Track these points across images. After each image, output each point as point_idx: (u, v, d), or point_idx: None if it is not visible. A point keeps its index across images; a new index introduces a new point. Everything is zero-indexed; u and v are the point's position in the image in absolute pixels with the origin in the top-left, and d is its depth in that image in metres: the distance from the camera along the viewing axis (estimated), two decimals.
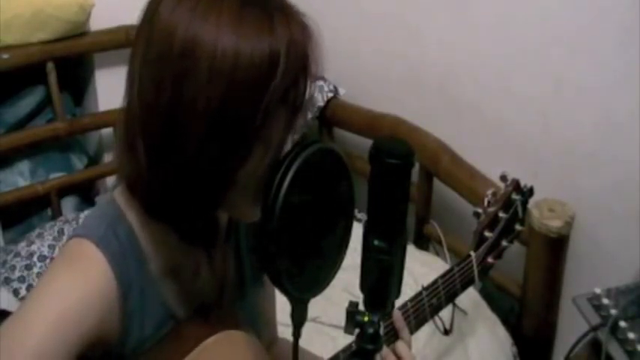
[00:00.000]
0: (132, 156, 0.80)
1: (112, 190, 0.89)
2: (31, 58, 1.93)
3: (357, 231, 0.80)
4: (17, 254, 1.86)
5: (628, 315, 1.32)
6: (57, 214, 2.07)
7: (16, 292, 1.79)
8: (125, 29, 2.01)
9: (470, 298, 1.67)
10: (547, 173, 1.73)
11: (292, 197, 0.74)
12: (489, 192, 1.36)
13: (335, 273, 0.83)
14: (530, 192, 1.39)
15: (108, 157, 2.24)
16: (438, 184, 1.92)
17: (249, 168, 0.78)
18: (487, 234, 1.32)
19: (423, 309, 1.20)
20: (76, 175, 2.13)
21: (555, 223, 1.59)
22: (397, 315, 1.10)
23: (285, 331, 1.02)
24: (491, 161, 1.79)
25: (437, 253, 1.94)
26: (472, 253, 1.31)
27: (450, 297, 1.26)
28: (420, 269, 1.71)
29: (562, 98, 1.68)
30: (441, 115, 1.98)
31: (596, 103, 1.62)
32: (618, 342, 1.29)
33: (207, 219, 0.90)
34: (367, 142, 1.37)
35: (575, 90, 1.65)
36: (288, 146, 0.80)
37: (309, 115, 2.10)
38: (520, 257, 1.67)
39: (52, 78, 1.99)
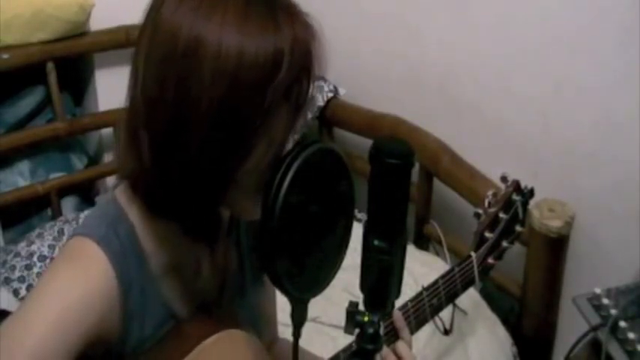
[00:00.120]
0: (135, 151, 0.80)
1: (113, 190, 0.89)
2: (31, 58, 1.93)
3: (357, 231, 0.80)
4: (17, 254, 1.86)
5: (628, 315, 1.32)
6: (57, 214, 2.07)
7: (16, 292, 1.79)
8: (125, 29, 2.01)
9: (470, 298, 1.67)
10: (547, 173, 1.73)
11: (292, 197, 0.74)
12: (490, 193, 1.36)
13: (335, 273, 0.83)
14: (531, 193, 1.39)
15: (108, 157, 2.23)
16: (438, 184, 1.92)
17: (251, 165, 0.78)
18: (487, 235, 1.32)
19: (424, 309, 1.20)
20: (76, 175, 2.13)
21: (555, 223, 1.59)
22: (397, 315, 1.10)
23: (285, 331, 1.02)
24: (491, 161, 1.79)
25: (437, 253, 1.94)
26: (473, 254, 1.31)
27: (451, 297, 1.27)
28: (420, 269, 1.71)
29: (562, 98, 1.68)
30: (441, 115, 1.98)
31: (596, 103, 1.62)
32: (618, 342, 1.29)
33: (209, 214, 0.90)
34: (367, 142, 1.37)
35: (575, 90, 1.65)
36: (289, 145, 0.80)
37: (309, 115, 2.10)
38: (520, 257, 1.67)
39: (52, 78, 1.99)
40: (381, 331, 0.82)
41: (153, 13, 0.79)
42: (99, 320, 0.80)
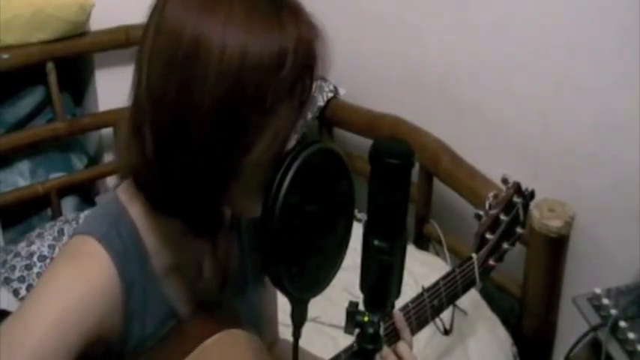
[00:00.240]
0: (138, 147, 0.80)
1: (114, 189, 0.89)
2: (31, 58, 1.93)
3: (357, 231, 0.80)
4: (17, 254, 1.86)
5: (628, 315, 1.32)
6: (57, 214, 2.07)
7: (16, 292, 1.79)
8: (125, 29, 2.01)
9: (470, 298, 1.67)
10: (547, 173, 1.73)
11: (292, 197, 0.74)
12: (491, 194, 1.36)
13: (335, 273, 0.83)
14: (532, 195, 1.39)
15: (108, 157, 2.23)
16: (438, 184, 1.92)
17: (253, 162, 0.78)
18: (488, 236, 1.32)
19: (425, 310, 1.20)
20: (76, 175, 2.13)
21: (555, 223, 1.59)
22: (398, 316, 1.10)
23: (285, 331, 1.02)
24: (492, 161, 1.79)
25: (437, 253, 1.94)
26: (474, 255, 1.31)
27: (451, 298, 1.27)
28: (420, 269, 1.71)
29: (562, 98, 1.68)
30: (441, 115, 1.98)
31: (596, 103, 1.62)
32: (618, 342, 1.29)
33: (211, 211, 0.90)
34: (367, 142, 1.37)
35: (575, 90, 1.65)
36: (292, 142, 0.80)
37: (309, 115, 2.10)
38: (520, 257, 1.67)
39: (52, 78, 1.99)
40: (381, 331, 0.82)
41: (157, 11, 0.79)
42: (100, 319, 0.80)
